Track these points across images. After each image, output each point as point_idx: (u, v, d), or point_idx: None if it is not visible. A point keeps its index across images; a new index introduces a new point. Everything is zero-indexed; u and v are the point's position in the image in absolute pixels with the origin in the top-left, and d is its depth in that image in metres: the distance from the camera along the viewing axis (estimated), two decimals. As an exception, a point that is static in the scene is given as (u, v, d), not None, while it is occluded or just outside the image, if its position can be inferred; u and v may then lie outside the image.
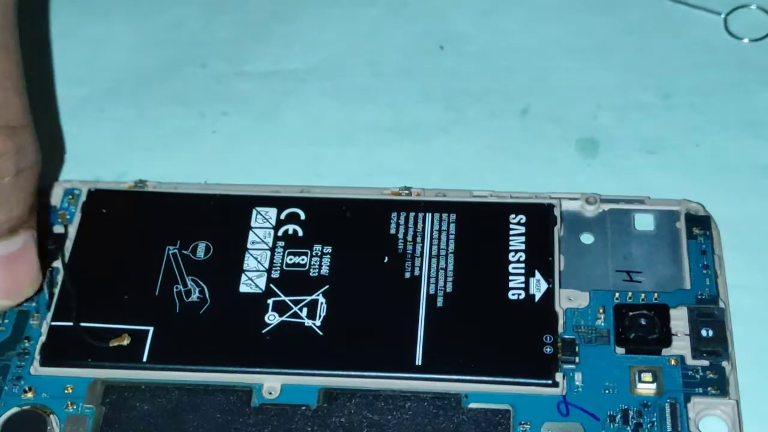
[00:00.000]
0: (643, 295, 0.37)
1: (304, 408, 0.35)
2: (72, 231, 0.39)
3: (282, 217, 0.39)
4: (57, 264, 0.39)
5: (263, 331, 0.37)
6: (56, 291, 0.38)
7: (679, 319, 0.36)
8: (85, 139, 0.43)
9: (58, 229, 0.40)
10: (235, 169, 0.42)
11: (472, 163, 0.42)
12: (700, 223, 0.39)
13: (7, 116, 0.34)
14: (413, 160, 0.42)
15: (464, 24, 0.46)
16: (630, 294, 0.37)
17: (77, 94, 0.45)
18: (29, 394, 0.36)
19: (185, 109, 0.44)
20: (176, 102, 0.44)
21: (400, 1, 0.47)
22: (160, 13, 0.48)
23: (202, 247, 0.39)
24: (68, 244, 0.39)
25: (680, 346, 0.36)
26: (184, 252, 0.39)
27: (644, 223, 0.39)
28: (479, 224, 0.39)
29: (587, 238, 0.39)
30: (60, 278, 0.38)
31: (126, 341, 0.36)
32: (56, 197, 0.41)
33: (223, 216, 0.39)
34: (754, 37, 0.45)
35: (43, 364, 0.36)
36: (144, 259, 0.38)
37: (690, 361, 0.36)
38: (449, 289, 0.37)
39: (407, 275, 0.38)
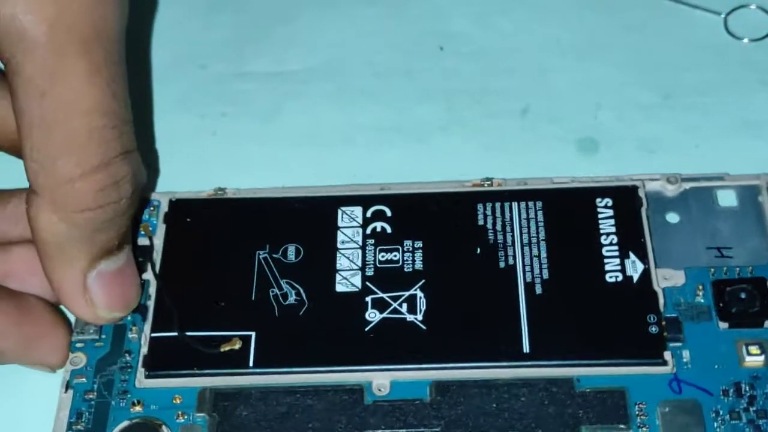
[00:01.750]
0: (737, 269, 0.37)
1: (417, 402, 0.35)
2: (157, 242, 0.39)
3: (368, 215, 0.39)
4: (146, 276, 0.38)
5: (366, 329, 0.37)
6: (150, 303, 0.38)
7: (776, 291, 0.37)
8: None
9: (142, 241, 0.39)
10: (235, 170, 0.42)
11: (472, 163, 0.42)
12: (784, 195, 0.39)
13: (125, 143, 0.34)
14: (413, 160, 0.42)
15: (464, 24, 0.46)
16: (725, 269, 0.37)
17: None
18: (138, 407, 0.36)
19: (185, 111, 0.44)
20: (176, 103, 0.44)
21: (399, 1, 0.47)
22: (160, 13, 0.47)
23: (292, 249, 0.39)
24: (155, 255, 0.39)
25: (782, 317, 0.36)
26: (274, 256, 0.38)
27: (727, 199, 0.40)
28: (566, 210, 0.39)
29: (672, 218, 0.39)
30: (153, 290, 0.38)
31: (237, 345, 0.36)
32: (136, 209, 0.40)
33: (308, 218, 0.39)
34: (754, 37, 0.45)
35: (148, 376, 0.36)
36: (235, 265, 0.38)
37: (794, 331, 0.36)
38: (545, 275, 0.37)
39: (502, 265, 0.38)
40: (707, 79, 0.43)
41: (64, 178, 0.34)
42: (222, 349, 0.36)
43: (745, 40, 0.45)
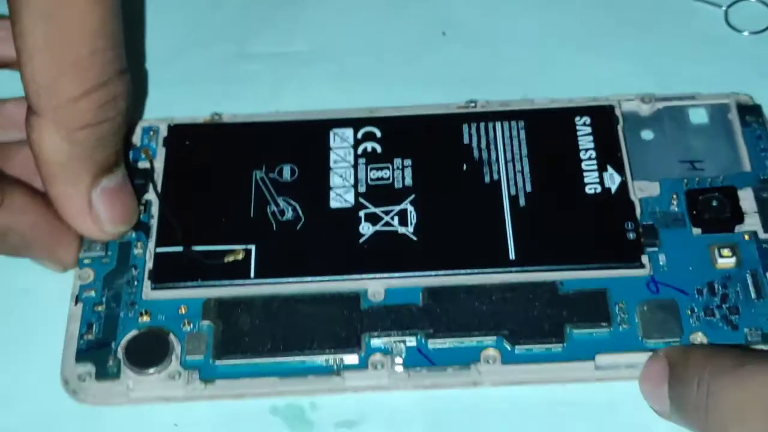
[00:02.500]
0: (709, 179, 0.40)
1: (411, 307, 0.37)
2: (158, 165, 0.41)
3: (359, 136, 0.41)
4: (147, 197, 0.40)
5: (360, 241, 0.38)
6: (153, 221, 0.39)
7: (746, 199, 0.39)
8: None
9: (143, 164, 0.41)
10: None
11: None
12: (752, 112, 0.41)
13: (121, 63, 0.36)
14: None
15: (467, 11, 0.47)
16: (697, 179, 0.40)
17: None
18: (145, 318, 0.37)
19: (188, 91, 0.44)
20: (179, 83, 0.44)
21: (404, -14, 0.48)
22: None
23: (287, 169, 0.40)
24: (157, 178, 0.40)
25: (751, 222, 0.39)
26: (270, 175, 0.40)
27: (698, 116, 0.42)
28: (547, 128, 0.41)
29: (647, 135, 0.41)
30: (155, 209, 0.40)
31: (241, 256, 0.38)
32: (136, 135, 0.42)
33: (302, 140, 0.41)
34: (755, 30, 0.45)
35: (154, 288, 0.38)
36: (233, 184, 0.40)
37: (762, 235, 0.38)
38: (528, 188, 0.39)
39: (487, 180, 0.40)
40: (707, 72, 0.44)
41: (66, 97, 0.35)
42: (225, 260, 0.38)
43: (746, 33, 0.45)
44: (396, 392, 0.36)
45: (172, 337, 0.37)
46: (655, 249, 0.38)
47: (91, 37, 0.35)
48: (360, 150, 0.41)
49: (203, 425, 0.36)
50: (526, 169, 0.40)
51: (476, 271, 0.38)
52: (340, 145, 0.41)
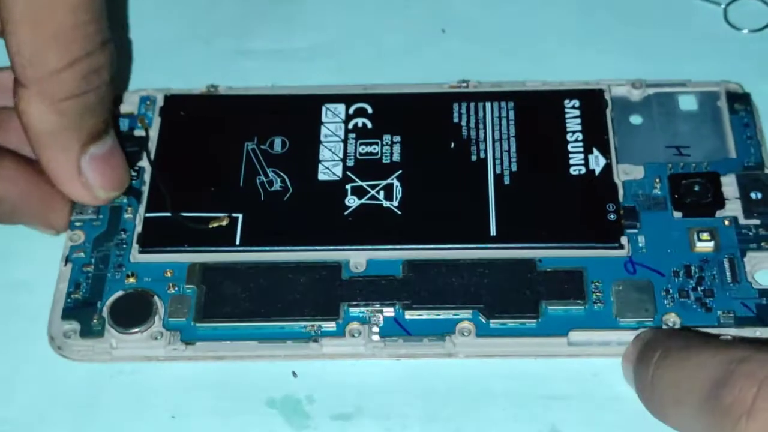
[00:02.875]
0: (694, 165, 0.40)
1: (390, 278, 0.38)
2: (153, 134, 0.42)
3: (350, 111, 0.42)
4: (141, 164, 0.41)
5: (345, 213, 0.39)
6: (145, 188, 0.40)
7: (729, 185, 0.39)
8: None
9: (138, 132, 0.42)
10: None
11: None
12: (741, 100, 0.42)
13: (104, 34, 0.37)
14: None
15: (467, 7, 0.47)
16: (682, 164, 0.40)
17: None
18: (132, 279, 0.38)
19: (188, 87, 0.44)
20: (179, 79, 0.44)
21: (403, -18, 0.48)
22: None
23: (278, 142, 0.41)
24: (151, 146, 0.41)
25: (732, 208, 0.39)
26: (262, 147, 0.41)
27: (688, 103, 0.42)
28: (536, 110, 0.42)
29: (636, 120, 0.42)
30: (147, 176, 0.41)
31: (225, 222, 0.39)
32: (133, 104, 0.43)
33: (294, 114, 0.42)
34: (754, 28, 0.45)
35: (142, 251, 0.39)
36: (224, 154, 0.41)
37: (743, 221, 0.39)
38: (514, 168, 0.40)
39: (474, 158, 0.40)
40: (706, 69, 0.43)
41: (50, 69, 0.36)
42: (210, 225, 0.39)
43: (745, 31, 0.45)
44: (392, 384, 0.37)
45: (156, 299, 0.38)
46: (635, 231, 0.39)
47: (73, 10, 0.36)
48: (351, 125, 0.42)
49: (200, 417, 0.36)
50: (513, 149, 0.41)
51: (457, 246, 0.38)
52: (332, 119, 0.42)
